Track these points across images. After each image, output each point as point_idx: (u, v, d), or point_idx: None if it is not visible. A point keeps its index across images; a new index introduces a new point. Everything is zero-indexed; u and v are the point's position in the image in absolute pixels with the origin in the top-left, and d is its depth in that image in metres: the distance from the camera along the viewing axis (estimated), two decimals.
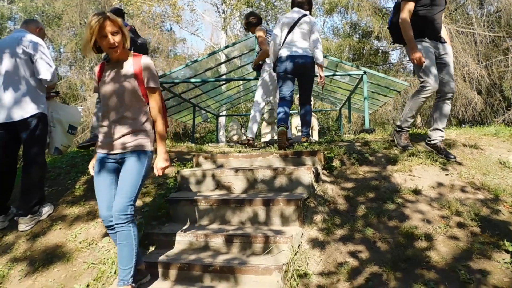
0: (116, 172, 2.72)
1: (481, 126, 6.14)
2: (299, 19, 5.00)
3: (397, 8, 4.15)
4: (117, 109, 2.66)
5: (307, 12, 5.17)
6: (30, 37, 3.67)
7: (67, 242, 3.41)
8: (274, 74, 5.41)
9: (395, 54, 23.47)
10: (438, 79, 3.96)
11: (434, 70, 3.92)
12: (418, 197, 3.51)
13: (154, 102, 2.77)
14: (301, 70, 4.94)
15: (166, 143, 2.76)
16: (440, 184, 3.68)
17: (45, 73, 3.64)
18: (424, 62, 3.85)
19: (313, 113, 10.21)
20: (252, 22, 6.05)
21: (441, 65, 4.09)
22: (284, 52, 4.96)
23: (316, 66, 5.07)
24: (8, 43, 3.64)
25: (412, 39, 3.90)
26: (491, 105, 14.73)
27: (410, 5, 3.93)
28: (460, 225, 3.14)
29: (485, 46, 14.32)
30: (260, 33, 5.81)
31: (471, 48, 14.05)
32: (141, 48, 5.31)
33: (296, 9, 5.15)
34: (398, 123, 4.41)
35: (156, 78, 2.75)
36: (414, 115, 4.25)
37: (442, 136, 4.16)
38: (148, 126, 2.76)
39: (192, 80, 8.96)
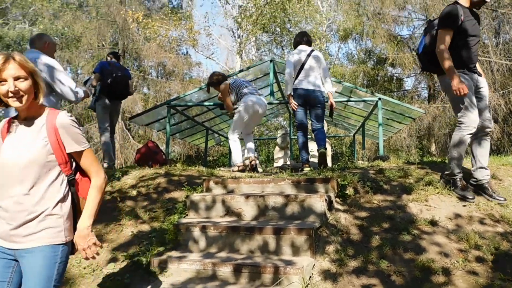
0: (14, 272, 1.94)
1: (498, 155, 5.98)
2: (309, 55, 5.60)
3: (430, 35, 3.89)
4: (18, 185, 1.90)
5: (313, 48, 5.71)
6: (44, 59, 3.70)
7: (71, 267, 3.33)
8: (246, 112, 5.67)
9: (410, 81, 23.39)
10: (477, 112, 3.67)
11: (474, 102, 3.64)
12: (435, 229, 3.38)
13: (86, 164, 2.07)
14: (313, 102, 5.56)
15: (94, 214, 2.09)
16: (457, 216, 3.55)
17: (67, 94, 3.69)
18: (466, 93, 3.52)
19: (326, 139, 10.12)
20: (215, 82, 6.07)
21: (479, 98, 3.82)
22: (297, 86, 5.55)
23: (328, 94, 5.75)
24: None
25: (453, 69, 3.59)
26: (508, 134, 14.46)
27: (449, 34, 3.67)
28: (479, 260, 3.00)
29: (501, 75, 14.17)
30: (222, 87, 5.94)
31: (487, 77, 13.90)
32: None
33: (303, 46, 5.74)
34: (448, 171, 3.96)
35: (80, 137, 2.03)
36: (462, 156, 3.83)
37: (488, 175, 3.85)
38: (63, 209, 1.98)
39: (206, 103, 8.99)
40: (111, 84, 6.17)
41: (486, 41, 15.30)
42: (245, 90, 5.77)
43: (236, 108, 5.79)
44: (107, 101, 6.11)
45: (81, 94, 3.77)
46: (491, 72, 14.13)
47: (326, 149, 5.52)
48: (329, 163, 9.72)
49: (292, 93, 5.62)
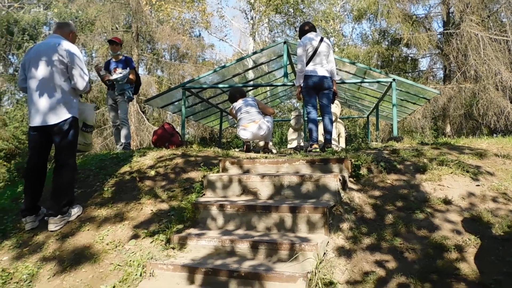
0: None
1: None
2: (320, 41, 5.77)
3: None
4: None
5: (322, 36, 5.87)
6: (66, 45, 3.75)
7: (94, 243, 3.48)
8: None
9: (425, 62, 23.04)
10: None
11: None
12: (448, 207, 3.43)
13: None
14: (324, 87, 5.76)
15: None
16: (471, 194, 3.59)
17: (79, 83, 3.75)
18: None
19: (340, 120, 10.14)
20: (230, 99, 6.71)
21: None
22: (312, 73, 5.71)
23: (332, 81, 5.94)
24: (45, 50, 3.73)
25: None
26: None
27: None
28: (491, 237, 3.05)
29: None
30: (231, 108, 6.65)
31: (504, 56, 13.67)
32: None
33: (313, 33, 5.90)
34: None
35: None
36: None
37: None
38: None
39: (220, 85, 9.04)
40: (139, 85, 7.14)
41: (504, 19, 14.99)
42: (240, 116, 6.25)
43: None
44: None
45: (87, 88, 3.86)
46: (508, 51, 13.88)
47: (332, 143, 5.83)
48: (343, 145, 9.75)
49: (302, 82, 5.82)
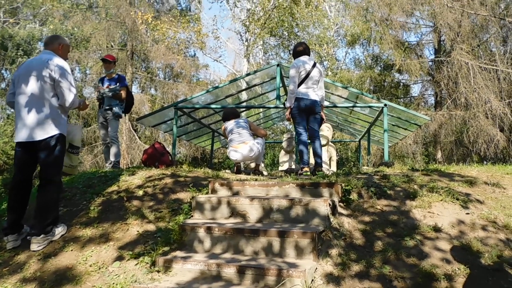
0: None
1: (504, 164, 5.97)
2: (313, 66, 5.78)
3: None
4: None
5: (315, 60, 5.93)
6: (57, 61, 3.74)
7: (77, 264, 3.39)
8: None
9: (417, 88, 23.30)
10: None
11: None
12: (438, 235, 3.40)
13: None
14: (314, 111, 5.77)
15: None
16: (460, 222, 3.57)
17: (67, 96, 3.72)
18: None
19: (331, 143, 10.15)
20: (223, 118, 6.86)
21: None
22: (303, 96, 5.71)
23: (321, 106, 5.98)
24: (36, 65, 3.71)
25: None
26: None
27: None
28: (481, 267, 3.01)
29: (508, 83, 14.11)
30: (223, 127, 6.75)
31: (493, 85, 13.85)
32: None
33: (305, 57, 5.88)
34: None
35: None
36: None
37: None
38: None
39: (213, 106, 9.05)
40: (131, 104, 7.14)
41: (494, 49, 15.27)
42: (231, 137, 6.33)
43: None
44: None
45: (75, 103, 3.83)
46: (497, 81, 14.09)
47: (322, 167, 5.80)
48: (334, 168, 9.74)
49: (292, 105, 5.79)
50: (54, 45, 3.95)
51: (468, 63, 14.03)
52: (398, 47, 16.71)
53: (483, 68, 14.15)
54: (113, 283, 3.10)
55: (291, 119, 5.95)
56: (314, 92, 5.79)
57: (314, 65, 5.81)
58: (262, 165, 7.65)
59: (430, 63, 17.80)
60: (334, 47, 23.23)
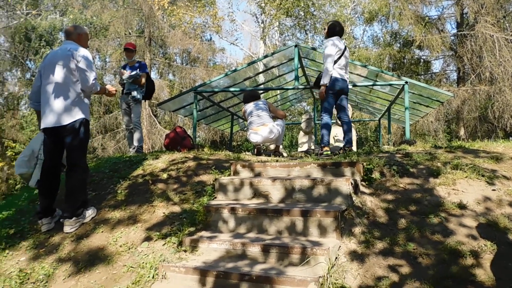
0: None
1: None
2: (345, 49, 5.89)
3: None
4: None
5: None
6: (79, 49, 3.88)
7: (108, 245, 3.51)
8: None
9: (438, 64, 22.84)
10: None
11: None
12: (463, 212, 3.38)
13: None
14: (345, 91, 5.92)
15: None
16: (486, 199, 3.53)
17: (88, 82, 3.86)
18: None
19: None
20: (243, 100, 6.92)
21: None
22: (338, 76, 5.79)
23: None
24: (60, 55, 3.86)
25: None
26: None
27: None
28: (508, 243, 2.99)
29: None
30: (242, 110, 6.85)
31: None
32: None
33: (338, 38, 5.90)
34: None
35: None
36: None
37: None
38: None
39: (231, 89, 9.05)
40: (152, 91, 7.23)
41: None
42: (250, 120, 6.31)
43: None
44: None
45: (97, 87, 3.95)
46: None
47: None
48: (354, 148, 9.69)
49: (328, 82, 5.75)
50: (74, 35, 4.08)
51: (493, 35, 13.63)
52: (418, 22, 16.31)
53: (510, 40, 13.73)
54: (143, 262, 3.20)
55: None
56: (346, 73, 5.91)
57: (345, 48, 5.89)
58: (281, 146, 7.66)
59: (452, 37, 17.36)
60: (351, 25, 22.78)
